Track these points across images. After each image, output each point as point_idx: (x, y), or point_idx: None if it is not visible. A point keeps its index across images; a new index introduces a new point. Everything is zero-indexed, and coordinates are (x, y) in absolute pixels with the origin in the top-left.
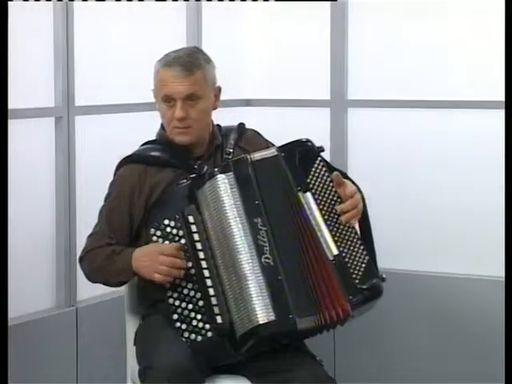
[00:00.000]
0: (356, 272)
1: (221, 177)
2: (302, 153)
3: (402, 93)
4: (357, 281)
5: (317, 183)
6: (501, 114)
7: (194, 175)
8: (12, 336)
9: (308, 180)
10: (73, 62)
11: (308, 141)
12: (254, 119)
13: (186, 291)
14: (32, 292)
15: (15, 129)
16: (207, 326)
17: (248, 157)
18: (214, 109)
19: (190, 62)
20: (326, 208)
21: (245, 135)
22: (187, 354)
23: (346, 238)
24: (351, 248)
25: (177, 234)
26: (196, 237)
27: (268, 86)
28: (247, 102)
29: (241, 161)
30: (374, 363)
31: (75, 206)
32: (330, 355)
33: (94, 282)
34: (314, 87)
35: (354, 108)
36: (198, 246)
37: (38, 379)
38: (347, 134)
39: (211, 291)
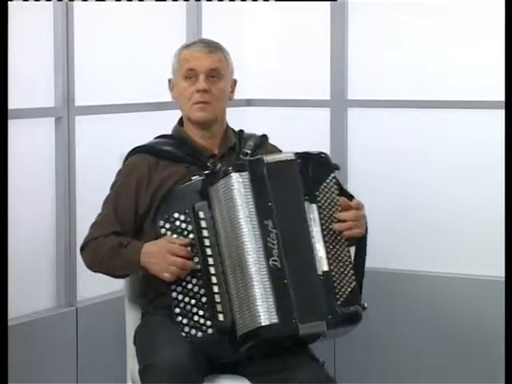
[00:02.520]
0: (340, 294)
1: (235, 175)
2: (317, 164)
3: (402, 93)
4: (339, 302)
5: (325, 198)
6: (501, 114)
7: (208, 171)
8: (12, 336)
9: (317, 193)
10: (73, 61)
11: (326, 155)
12: (254, 119)
13: (190, 286)
14: (32, 292)
15: (15, 129)
16: (208, 323)
17: (264, 158)
18: (230, 100)
19: (213, 43)
20: (327, 224)
21: (266, 145)
22: (187, 353)
23: (340, 258)
24: (341, 270)
25: (185, 229)
26: (205, 233)
27: (268, 86)
28: (247, 102)
29: (256, 161)
30: (374, 364)
31: (75, 206)
32: (330, 356)
33: (95, 271)
34: (314, 87)
35: (354, 108)
36: (206, 242)
37: (38, 379)
38: (347, 133)
39: (215, 288)
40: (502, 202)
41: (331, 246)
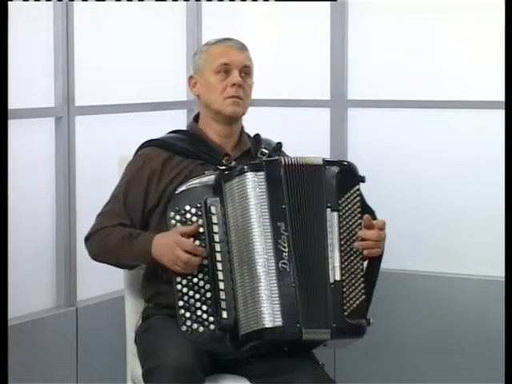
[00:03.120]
0: (348, 305)
1: (250, 175)
2: (343, 174)
3: (402, 93)
4: (346, 313)
5: (346, 208)
6: (501, 114)
7: (223, 167)
8: (12, 336)
9: (340, 201)
10: (73, 61)
11: (354, 166)
12: (254, 119)
13: (195, 280)
14: (32, 292)
15: (15, 129)
16: (211, 319)
17: (282, 159)
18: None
19: (242, 43)
20: (345, 234)
21: (280, 152)
22: (190, 354)
23: (352, 270)
24: (353, 281)
25: (196, 222)
26: (215, 228)
27: (268, 85)
28: None
29: (273, 162)
30: (374, 365)
31: (75, 206)
32: (331, 357)
33: (100, 261)
34: (314, 87)
35: (354, 108)
36: (216, 237)
37: (38, 379)
38: (347, 134)
39: (221, 285)
40: (501, 202)
41: (346, 257)
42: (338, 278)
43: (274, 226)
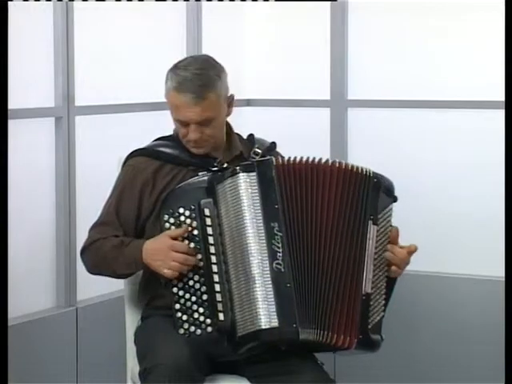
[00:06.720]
0: (372, 319)
1: (243, 175)
2: (386, 190)
3: (402, 93)
4: (369, 326)
5: (382, 223)
6: (501, 114)
7: (215, 168)
8: (12, 336)
9: (379, 216)
10: (73, 62)
11: (393, 184)
12: (254, 119)
13: (191, 282)
14: (32, 292)
15: (15, 129)
16: (208, 321)
17: (274, 159)
18: (228, 115)
19: (201, 87)
20: (378, 248)
21: (274, 152)
22: (188, 354)
23: (379, 285)
24: (377, 297)
25: (190, 225)
26: (209, 230)
27: (268, 86)
28: (247, 102)
29: (265, 162)
30: (374, 364)
31: (75, 205)
32: (330, 356)
33: (96, 273)
34: (314, 87)
35: (354, 108)
36: (210, 239)
37: (38, 379)
38: (347, 134)
39: (217, 287)
40: (501, 202)
41: (377, 270)
42: (369, 290)
43: (268, 227)
